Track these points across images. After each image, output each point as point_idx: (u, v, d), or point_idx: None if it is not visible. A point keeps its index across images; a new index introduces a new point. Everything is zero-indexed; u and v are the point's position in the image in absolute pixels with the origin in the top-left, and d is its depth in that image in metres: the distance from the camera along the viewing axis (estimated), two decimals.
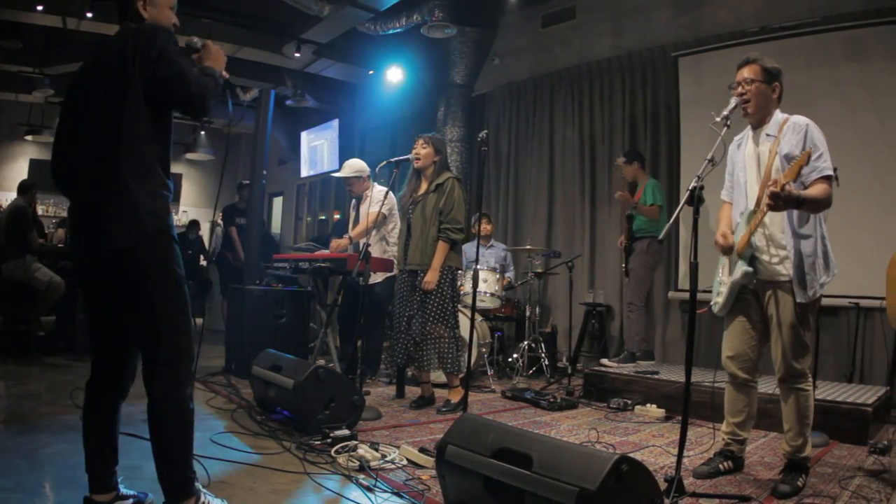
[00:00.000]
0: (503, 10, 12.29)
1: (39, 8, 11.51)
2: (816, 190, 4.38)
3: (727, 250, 4.77)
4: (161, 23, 3.57)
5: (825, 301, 5.91)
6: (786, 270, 4.58)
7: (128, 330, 3.48)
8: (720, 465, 4.89)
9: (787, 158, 4.49)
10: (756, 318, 4.83)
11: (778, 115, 4.77)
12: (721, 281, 4.91)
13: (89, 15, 11.61)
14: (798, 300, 4.52)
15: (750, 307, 4.84)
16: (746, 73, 4.75)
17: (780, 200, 4.18)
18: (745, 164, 4.80)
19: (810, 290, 4.53)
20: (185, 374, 3.43)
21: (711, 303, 5.01)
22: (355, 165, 8.30)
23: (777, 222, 4.60)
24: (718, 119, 4.56)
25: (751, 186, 4.76)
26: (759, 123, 4.80)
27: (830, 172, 4.45)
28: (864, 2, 8.37)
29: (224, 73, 3.66)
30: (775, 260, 4.62)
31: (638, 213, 8.74)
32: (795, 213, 4.52)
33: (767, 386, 6.06)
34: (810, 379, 4.66)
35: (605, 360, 8.84)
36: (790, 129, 4.61)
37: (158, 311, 3.34)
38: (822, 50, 8.51)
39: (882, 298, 5.45)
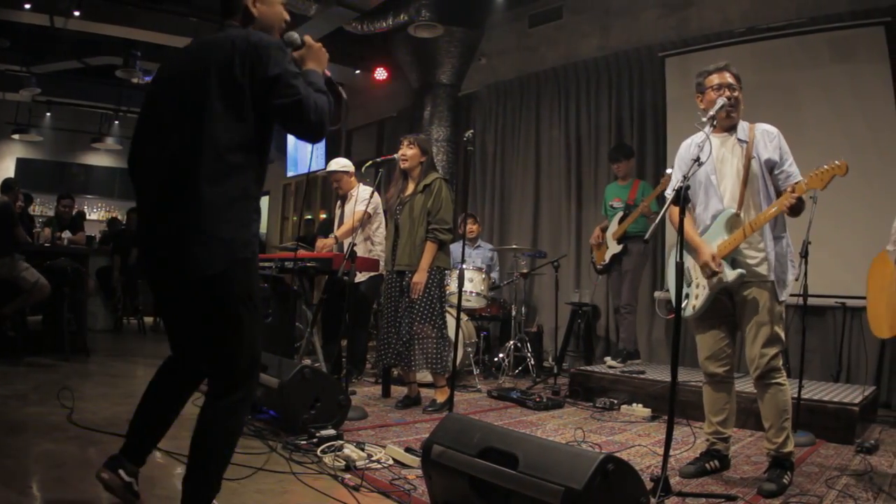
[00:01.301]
0: (490, 9, 12.27)
1: (27, 6, 11.49)
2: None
3: (714, 274, 4.77)
4: (272, 21, 3.53)
5: (811, 301, 5.95)
6: (764, 270, 4.67)
7: (201, 346, 3.39)
8: (707, 465, 4.90)
9: (768, 164, 4.67)
10: (727, 315, 4.90)
11: (743, 122, 4.87)
12: (696, 282, 4.92)
13: (77, 13, 11.59)
14: (781, 298, 4.64)
15: (722, 306, 4.89)
16: (730, 78, 4.83)
17: (802, 205, 4.42)
18: (715, 167, 4.83)
19: (787, 287, 4.71)
20: (248, 401, 3.42)
21: (683, 306, 4.99)
22: (342, 161, 8.30)
23: None
24: (705, 119, 4.59)
25: (729, 190, 4.81)
26: (729, 128, 4.87)
27: (800, 178, 4.59)
28: (850, 3, 8.42)
29: (326, 72, 3.55)
30: (754, 261, 4.70)
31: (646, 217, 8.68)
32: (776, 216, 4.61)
33: (751, 386, 6.08)
34: (784, 373, 4.70)
35: (609, 360, 8.80)
36: (763, 136, 4.77)
37: (237, 336, 3.29)
38: (809, 50, 8.56)
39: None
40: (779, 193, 4.67)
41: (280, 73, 3.17)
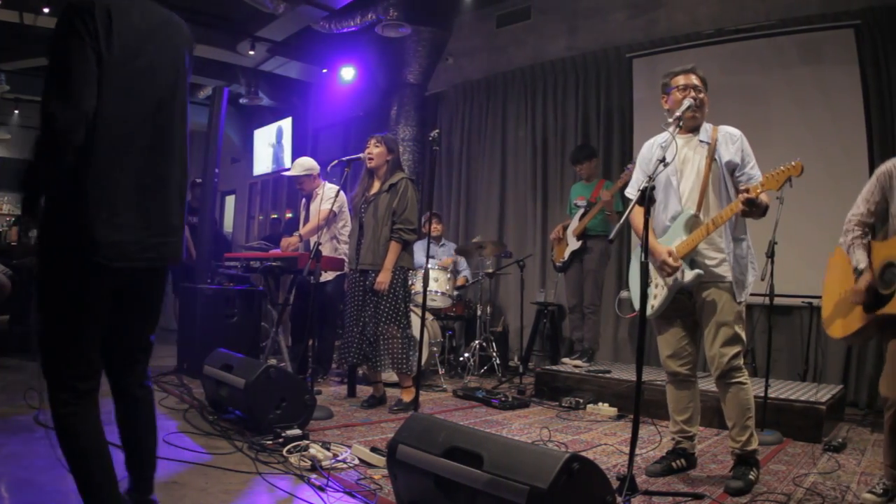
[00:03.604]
0: (458, 9, 12.29)
1: None
2: (765, 197, 4.51)
3: (673, 272, 4.79)
4: None
5: (778, 300, 5.98)
6: (724, 272, 4.69)
7: (134, 329, 3.33)
8: (673, 464, 4.93)
9: (729, 166, 4.70)
10: (688, 316, 4.93)
11: (706, 124, 4.89)
12: (656, 283, 4.94)
13: (46, 10, 11.51)
14: (739, 299, 4.66)
15: (683, 306, 4.92)
16: (696, 79, 4.85)
17: (754, 207, 4.36)
18: (676, 168, 4.84)
19: (747, 288, 4.73)
20: None
21: (648, 305, 5.01)
22: (305, 164, 8.28)
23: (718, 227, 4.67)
24: (671, 120, 4.61)
25: (689, 191, 4.82)
26: (693, 129, 4.88)
27: (762, 179, 4.58)
28: (820, 6, 8.50)
29: None
30: (714, 262, 4.72)
31: (607, 213, 8.68)
32: (735, 218, 4.66)
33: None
34: (746, 372, 4.74)
35: (566, 360, 8.79)
36: (725, 138, 4.79)
37: (157, 315, 3.41)
38: (778, 52, 8.63)
39: None
40: None
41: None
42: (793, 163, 4.32)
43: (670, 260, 4.71)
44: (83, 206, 2.87)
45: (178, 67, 3.18)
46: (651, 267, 4.93)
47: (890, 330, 4.39)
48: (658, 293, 4.91)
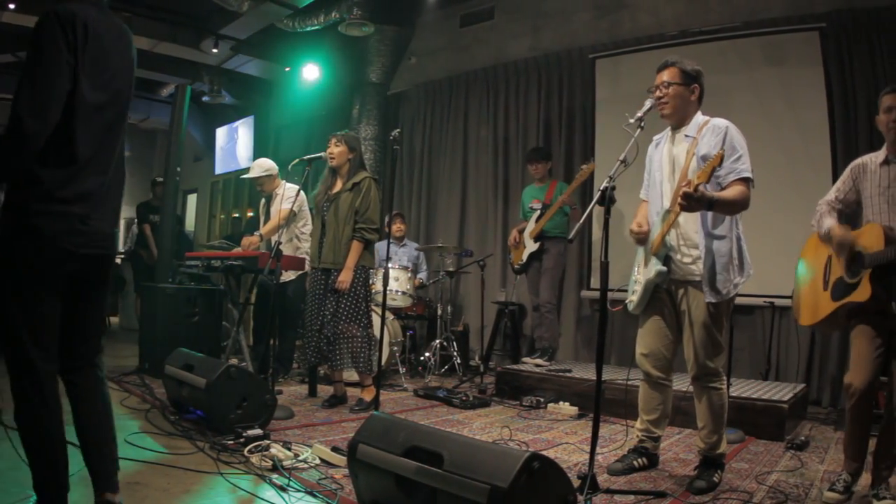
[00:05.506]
0: (422, 9, 12.29)
1: None
2: (732, 191, 4.42)
3: (642, 240, 4.81)
4: None
5: (740, 300, 5.99)
6: (699, 270, 4.60)
7: (87, 322, 3.39)
8: (634, 462, 4.94)
9: (704, 159, 4.48)
10: (670, 317, 4.86)
11: (698, 117, 4.80)
12: (636, 279, 4.95)
13: (12, 6, 11.40)
14: (708, 299, 4.54)
15: (664, 306, 4.87)
16: (665, 76, 4.78)
17: (692, 201, 4.20)
18: (661, 164, 4.84)
19: (723, 290, 4.56)
20: None
21: (627, 301, 5.05)
22: (264, 164, 8.26)
23: (691, 222, 4.63)
24: (632, 120, 4.59)
25: (665, 186, 4.79)
26: (678, 125, 4.83)
27: (749, 175, 4.48)
28: (784, 8, 8.59)
29: None
30: (688, 260, 4.66)
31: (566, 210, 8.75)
32: (710, 213, 4.55)
33: (682, 383, 6.13)
34: (724, 377, 4.73)
35: (527, 359, 8.80)
36: (710, 130, 4.63)
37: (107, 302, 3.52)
38: (742, 54, 8.72)
39: None
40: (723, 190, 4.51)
41: None
42: (714, 153, 4.31)
43: (634, 227, 4.83)
44: (62, 201, 3.04)
45: (131, 78, 3.36)
46: (637, 264, 5.00)
47: (855, 319, 4.42)
48: (637, 289, 4.93)
